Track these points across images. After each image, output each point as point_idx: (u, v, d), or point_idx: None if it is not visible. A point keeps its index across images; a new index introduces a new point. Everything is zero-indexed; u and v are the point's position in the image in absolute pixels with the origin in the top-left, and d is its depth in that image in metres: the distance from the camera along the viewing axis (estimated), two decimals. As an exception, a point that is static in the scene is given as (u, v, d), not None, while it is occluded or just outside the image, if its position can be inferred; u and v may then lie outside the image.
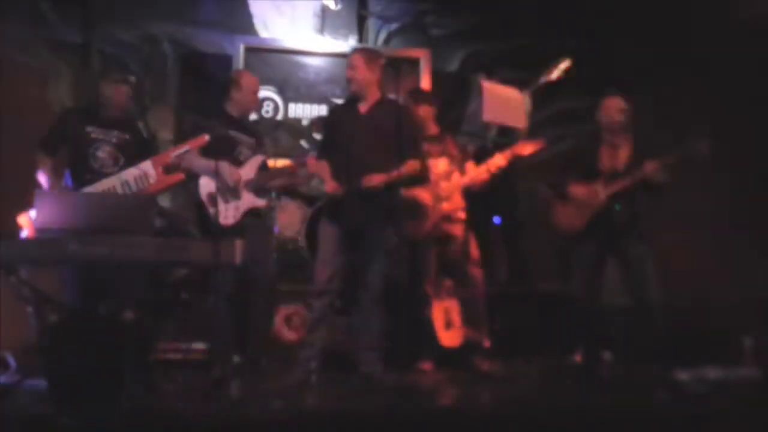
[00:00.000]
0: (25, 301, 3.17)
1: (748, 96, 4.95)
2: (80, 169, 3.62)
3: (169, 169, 3.61)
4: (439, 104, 4.26)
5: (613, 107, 3.80)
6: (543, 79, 4.92)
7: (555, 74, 4.91)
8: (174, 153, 3.59)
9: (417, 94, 4.26)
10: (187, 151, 3.57)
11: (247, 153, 3.76)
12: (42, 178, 3.58)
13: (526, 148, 3.90)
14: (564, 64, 4.90)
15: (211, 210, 3.49)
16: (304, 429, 2.68)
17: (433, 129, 4.10)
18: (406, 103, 4.08)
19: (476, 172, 3.97)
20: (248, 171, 3.71)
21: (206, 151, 3.64)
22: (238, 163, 3.71)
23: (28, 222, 3.28)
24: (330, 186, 3.53)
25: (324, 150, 3.74)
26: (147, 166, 3.58)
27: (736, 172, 4.95)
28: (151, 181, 3.56)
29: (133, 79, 3.78)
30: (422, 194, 3.89)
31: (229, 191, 3.63)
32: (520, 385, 3.67)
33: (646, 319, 3.61)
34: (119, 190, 3.54)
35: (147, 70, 5.30)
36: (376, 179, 3.45)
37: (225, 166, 3.60)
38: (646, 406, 2.96)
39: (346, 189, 3.49)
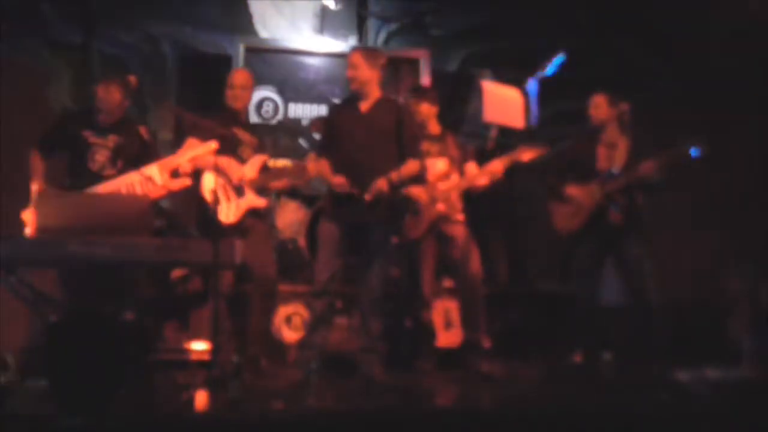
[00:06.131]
0: (25, 301, 3.17)
1: (748, 96, 4.95)
2: (78, 173, 3.63)
3: (176, 174, 3.62)
4: (440, 104, 4.26)
5: (593, 104, 3.83)
6: (538, 75, 4.89)
7: (549, 70, 4.87)
8: (182, 159, 3.59)
9: (421, 92, 4.23)
10: (196, 157, 3.59)
11: (248, 152, 3.77)
12: (33, 186, 3.58)
13: (526, 155, 3.87)
14: (558, 59, 4.86)
15: (213, 207, 3.50)
16: (304, 429, 2.68)
17: (434, 128, 4.09)
18: (408, 99, 4.08)
19: (474, 177, 3.96)
20: (250, 170, 3.71)
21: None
22: (241, 160, 3.72)
23: (32, 218, 3.28)
24: (335, 180, 3.51)
25: (324, 148, 3.74)
26: (153, 170, 3.58)
27: (736, 171, 4.95)
28: (158, 185, 3.56)
29: (130, 79, 3.77)
30: (416, 193, 3.88)
31: (233, 189, 3.63)
32: (520, 385, 3.66)
33: (646, 319, 3.62)
34: (124, 193, 3.54)
35: (147, 70, 5.30)
36: (380, 184, 3.45)
37: (229, 163, 3.61)
38: (646, 406, 2.96)
39: (349, 188, 3.49)
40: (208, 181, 3.61)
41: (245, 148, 3.76)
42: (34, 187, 3.56)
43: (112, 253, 2.89)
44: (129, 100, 3.78)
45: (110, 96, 3.67)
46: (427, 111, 4.04)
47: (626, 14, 5.13)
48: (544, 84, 4.88)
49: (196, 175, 3.65)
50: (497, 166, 3.88)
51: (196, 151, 3.61)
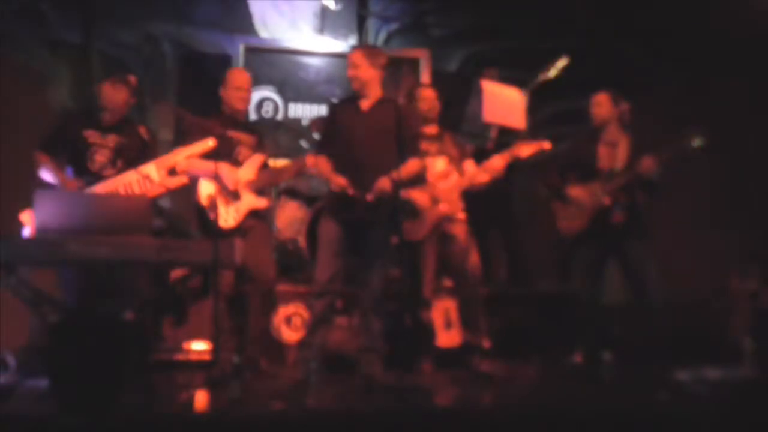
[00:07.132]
0: (25, 301, 3.17)
1: (748, 95, 4.95)
2: (79, 172, 3.62)
3: (173, 173, 3.62)
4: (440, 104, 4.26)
5: (595, 102, 3.83)
6: (540, 78, 4.91)
7: (552, 73, 4.90)
8: (179, 156, 3.59)
9: (430, 89, 4.25)
10: (193, 155, 3.58)
11: (246, 153, 3.76)
12: (47, 176, 3.58)
13: (525, 150, 3.89)
14: (561, 63, 4.89)
15: (212, 214, 3.49)
16: (304, 429, 2.68)
17: (432, 127, 4.09)
18: (414, 90, 4.09)
19: (474, 174, 3.96)
20: (248, 171, 3.71)
21: (206, 153, 3.64)
22: (238, 163, 3.71)
23: (30, 219, 3.28)
24: (335, 180, 3.51)
25: (324, 147, 3.73)
26: (150, 168, 3.58)
27: (736, 170, 4.95)
28: (155, 183, 3.56)
29: (131, 79, 3.77)
30: (418, 195, 3.88)
31: (229, 194, 3.63)
32: (520, 385, 3.67)
33: (646, 319, 3.62)
34: (122, 192, 3.54)
35: (147, 70, 5.30)
36: (382, 184, 3.44)
37: (224, 169, 3.60)
38: (646, 406, 2.96)
39: (350, 188, 3.48)
40: (205, 188, 3.60)
41: (243, 149, 3.76)
42: (56, 179, 3.55)
43: (112, 253, 2.89)
44: (134, 100, 3.78)
45: (118, 95, 3.68)
46: (431, 95, 4.05)
47: (626, 14, 5.14)
48: (544, 84, 4.89)
49: (194, 181, 3.65)
50: (498, 162, 3.89)
51: (193, 148, 3.60)
